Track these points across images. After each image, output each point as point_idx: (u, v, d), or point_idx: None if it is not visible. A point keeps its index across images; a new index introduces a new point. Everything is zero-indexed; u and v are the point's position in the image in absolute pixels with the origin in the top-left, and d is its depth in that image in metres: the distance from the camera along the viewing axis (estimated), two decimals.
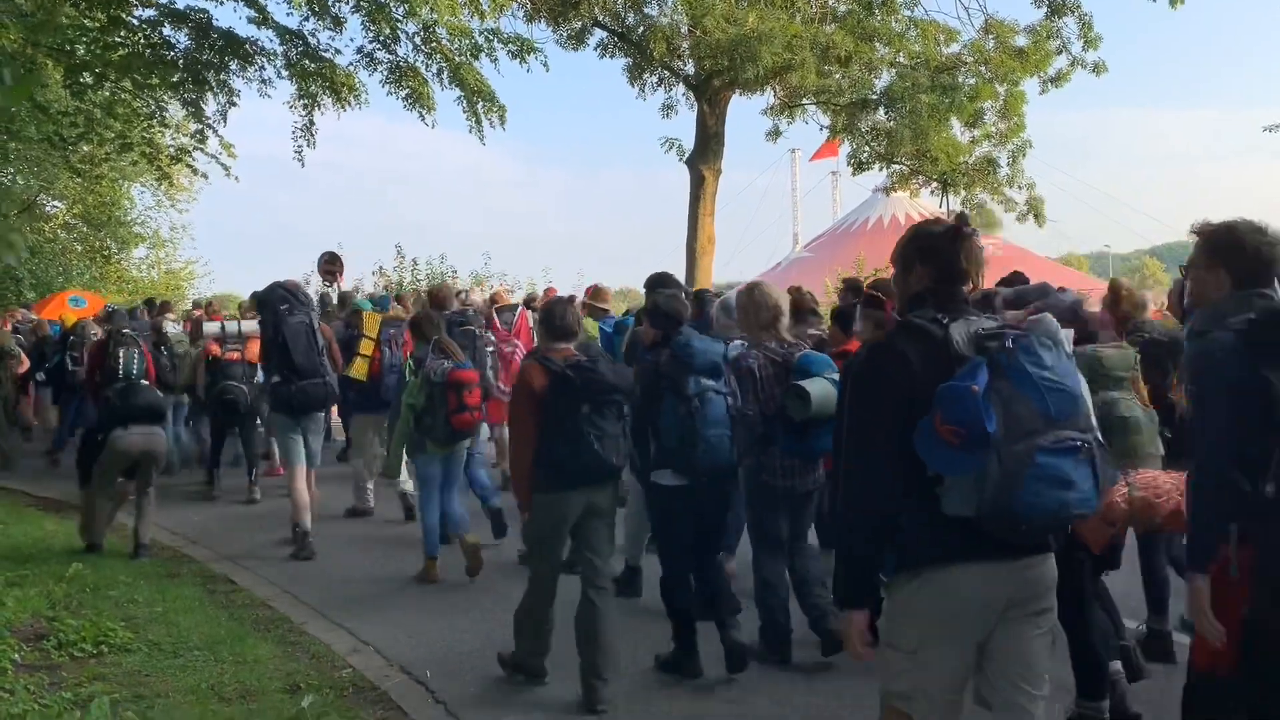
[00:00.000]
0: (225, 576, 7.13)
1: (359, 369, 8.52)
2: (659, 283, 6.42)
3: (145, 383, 7.67)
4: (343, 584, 6.84)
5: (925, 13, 18.24)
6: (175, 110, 12.94)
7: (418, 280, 21.04)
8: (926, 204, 28.69)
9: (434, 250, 38.85)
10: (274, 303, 7.55)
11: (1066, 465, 2.54)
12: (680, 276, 18.53)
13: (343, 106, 10.30)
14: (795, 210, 44.31)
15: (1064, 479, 2.53)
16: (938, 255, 2.85)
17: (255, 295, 8.54)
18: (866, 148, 18.04)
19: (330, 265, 11.91)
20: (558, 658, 4.90)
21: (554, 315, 4.89)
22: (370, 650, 5.53)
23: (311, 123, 10.57)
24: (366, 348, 8.46)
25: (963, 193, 18.28)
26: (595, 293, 8.50)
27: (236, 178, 11.40)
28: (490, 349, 8.51)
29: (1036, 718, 2.74)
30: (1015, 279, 5.64)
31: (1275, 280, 3.08)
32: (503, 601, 6.12)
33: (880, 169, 19.23)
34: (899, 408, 2.62)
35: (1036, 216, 18.23)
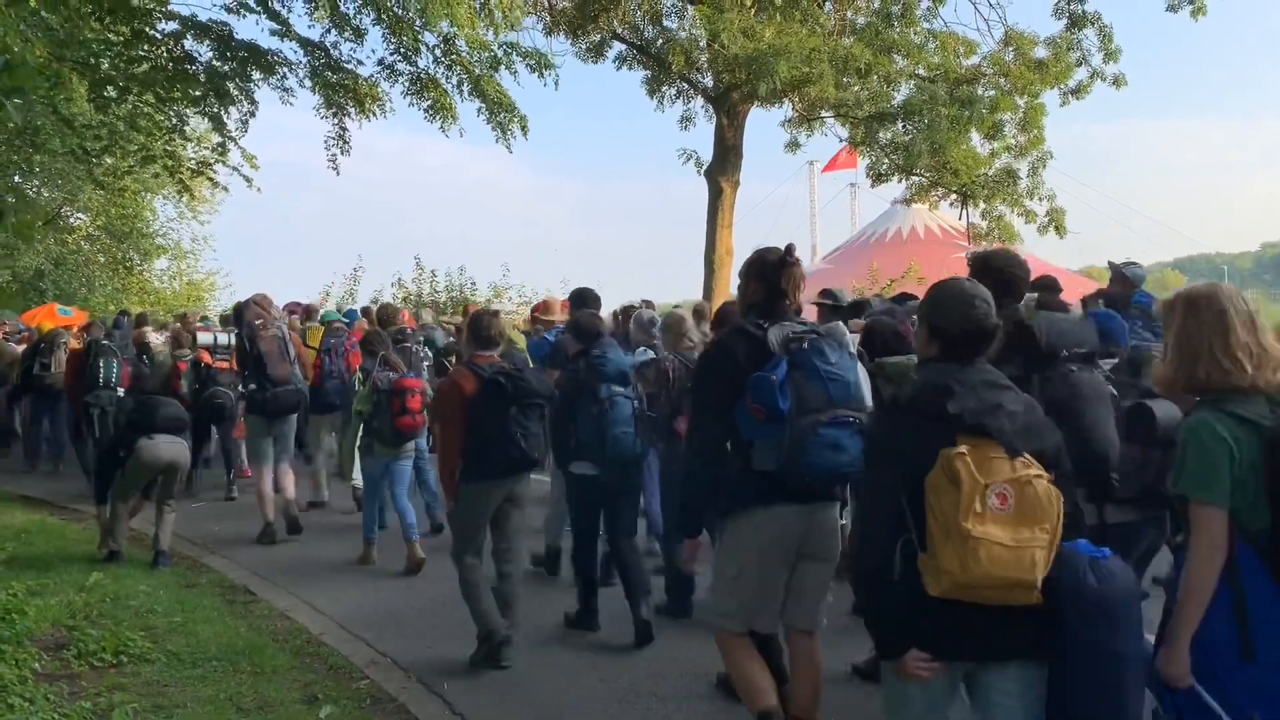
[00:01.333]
0: (244, 587, 7.15)
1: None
2: (581, 301, 7.29)
3: (166, 397, 7.91)
4: (360, 596, 6.84)
5: (944, 24, 18.24)
6: (197, 123, 13.04)
7: (436, 292, 21.15)
8: (946, 216, 28.63)
9: (453, 261, 39.03)
10: (249, 318, 8.23)
11: (842, 435, 3.42)
12: (698, 288, 18.63)
13: (366, 116, 10.34)
14: (814, 222, 44.33)
15: (839, 445, 3.41)
16: (766, 277, 3.78)
17: (234, 307, 9.33)
18: (885, 160, 17.99)
19: (293, 309, 12.09)
20: (568, 672, 4.88)
21: (480, 327, 5.65)
22: (388, 662, 5.53)
23: (344, 129, 10.62)
24: (309, 356, 9.22)
25: (982, 204, 18.18)
26: (544, 308, 9.14)
27: (259, 189, 11.46)
28: (427, 361, 9.34)
29: (816, 640, 3.79)
30: (1046, 283, 6.06)
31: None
32: (523, 622, 6.13)
33: (899, 181, 19.18)
34: (727, 390, 3.57)
35: (1057, 228, 18.11)
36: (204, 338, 9.38)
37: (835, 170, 35.72)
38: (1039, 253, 30.17)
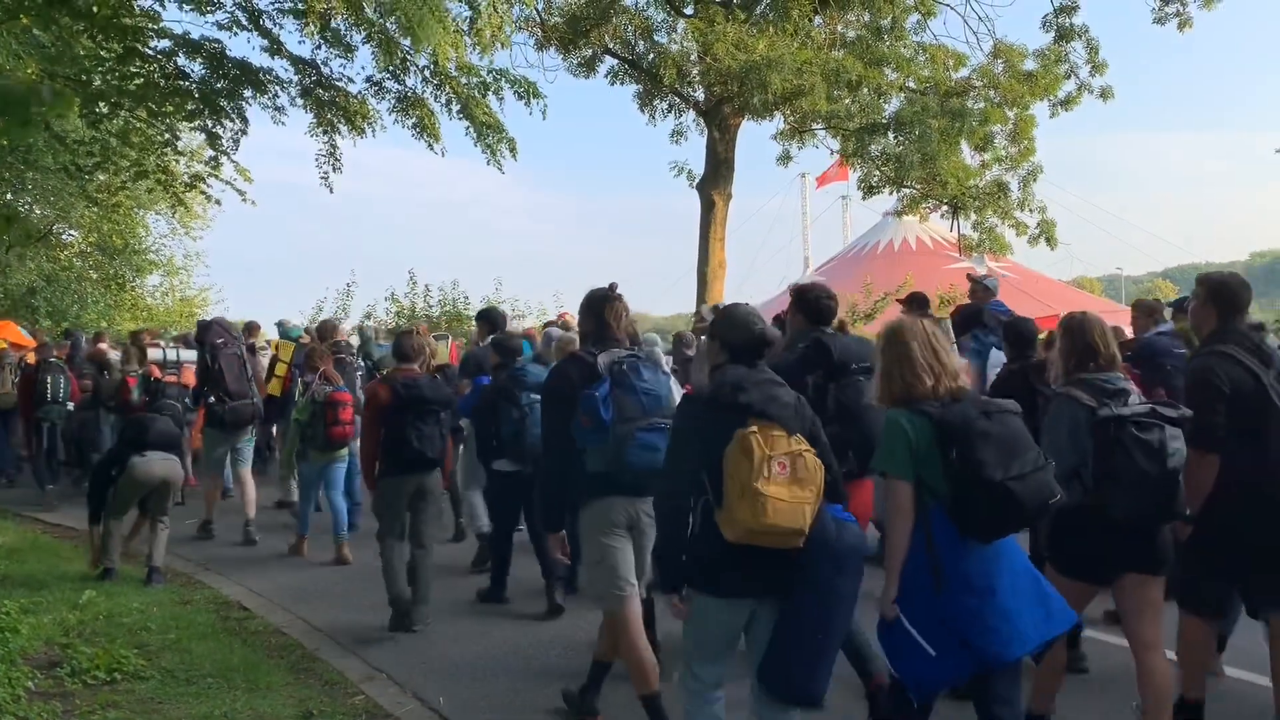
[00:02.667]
0: (238, 603, 7.13)
1: (274, 387, 10.42)
2: (489, 319, 8.75)
3: (159, 414, 7.94)
4: (356, 611, 6.82)
5: (934, 37, 18.37)
6: (189, 138, 13.04)
7: (430, 307, 21.15)
8: (937, 227, 28.76)
9: (447, 276, 39.07)
10: (211, 337, 8.95)
11: (656, 439, 4.07)
12: (692, 300, 18.65)
13: (358, 133, 10.36)
14: (806, 234, 44.43)
15: (654, 447, 4.08)
16: (595, 311, 4.60)
17: (198, 325, 10.13)
18: (877, 172, 18.06)
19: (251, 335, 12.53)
20: (551, 679, 4.87)
21: (400, 345, 6.72)
22: (383, 678, 5.52)
23: (335, 148, 10.63)
24: (280, 369, 10.34)
25: (973, 216, 18.25)
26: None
27: (253, 202, 11.45)
28: (360, 372, 10.40)
29: (638, 596, 4.48)
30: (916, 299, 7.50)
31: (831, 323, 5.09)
32: (516, 631, 6.14)
33: (891, 193, 19.25)
34: (567, 407, 4.30)
35: (1048, 240, 18.18)
36: (154, 354, 9.75)
37: (828, 184, 35.87)
38: (1030, 264, 30.37)
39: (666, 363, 6.90)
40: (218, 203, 12.84)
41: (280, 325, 12.09)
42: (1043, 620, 3.42)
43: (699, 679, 3.60)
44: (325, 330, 10.54)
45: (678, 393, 4.44)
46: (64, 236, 23.63)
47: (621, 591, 4.41)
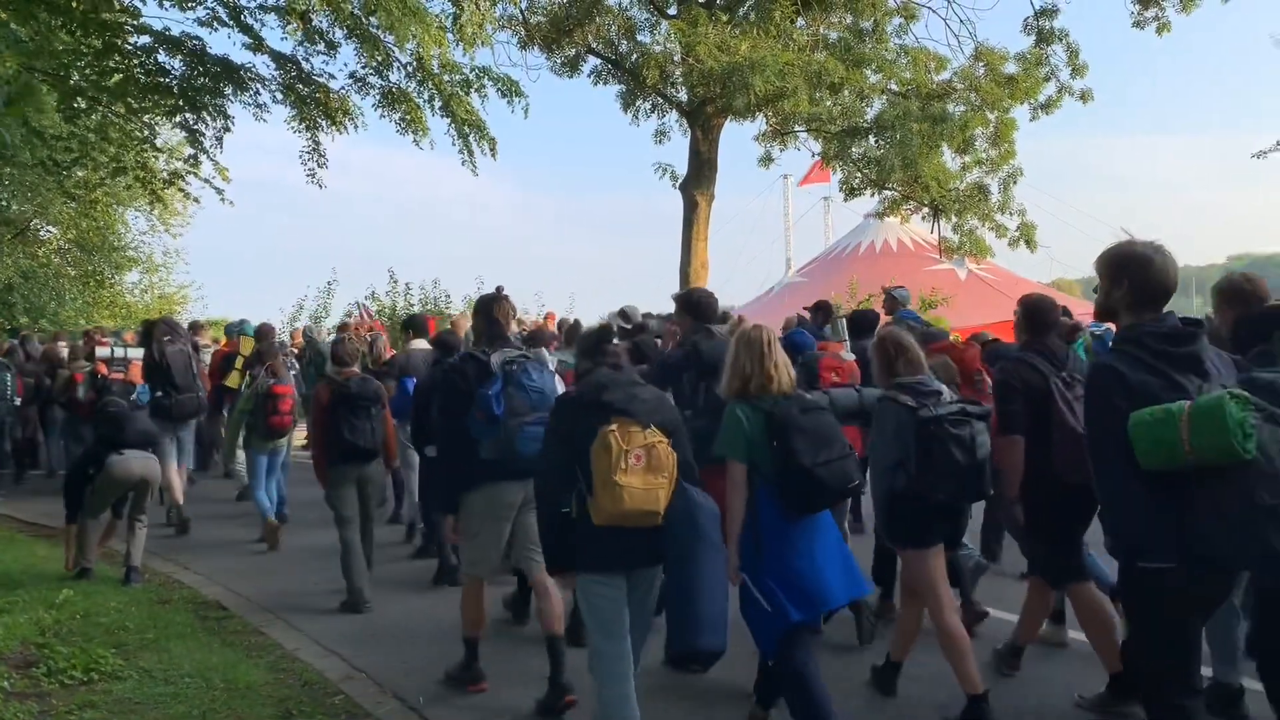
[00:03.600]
0: (217, 602, 7.09)
1: (234, 380, 10.81)
2: (416, 323, 9.67)
3: (139, 411, 8.06)
4: (336, 611, 6.81)
5: (916, 40, 18.43)
6: (169, 135, 12.97)
7: (410, 305, 21.08)
8: (918, 229, 28.86)
9: (428, 274, 38.87)
10: (158, 335, 9.51)
11: (539, 431, 4.40)
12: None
13: (339, 129, 10.32)
14: (788, 235, 44.48)
15: (539, 438, 4.30)
16: (486, 313, 5.21)
17: (144, 325, 10.76)
18: (858, 174, 18.13)
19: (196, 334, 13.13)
20: (535, 678, 4.87)
21: (335, 350, 7.47)
22: (363, 677, 5.50)
23: (318, 143, 10.59)
24: (240, 364, 10.78)
25: (954, 218, 18.34)
26: (453, 326, 10.30)
27: (231, 202, 11.39)
28: (294, 371, 11.20)
29: (540, 566, 4.67)
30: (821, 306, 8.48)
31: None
32: (496, 631, 6.13)
33: (872, 195, 19.31)
34: (462, 401, 4.88)
35: (1028, 242, 18.27)
36: (101, 351, 10.38)
37: (810, 184, 35.94)
38: (1010, 266, 30.53)
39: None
40: (196, 201, 12.80)
41: (242, 325, 12.68)
42: (849, 581, 4.25)
43: (602, 655, 3.96)
44: (263, 332, 11.41)
45: (561, 390, 5.05)
46: (42, 233, 23.45)
47: (487, 569, 5.18)
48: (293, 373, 11.02)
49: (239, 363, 10.82)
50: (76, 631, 6.12)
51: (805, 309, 9.54)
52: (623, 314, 8.13)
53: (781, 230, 44.44)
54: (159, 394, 9.46)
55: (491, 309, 5.19)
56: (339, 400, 6.91)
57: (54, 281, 23.40)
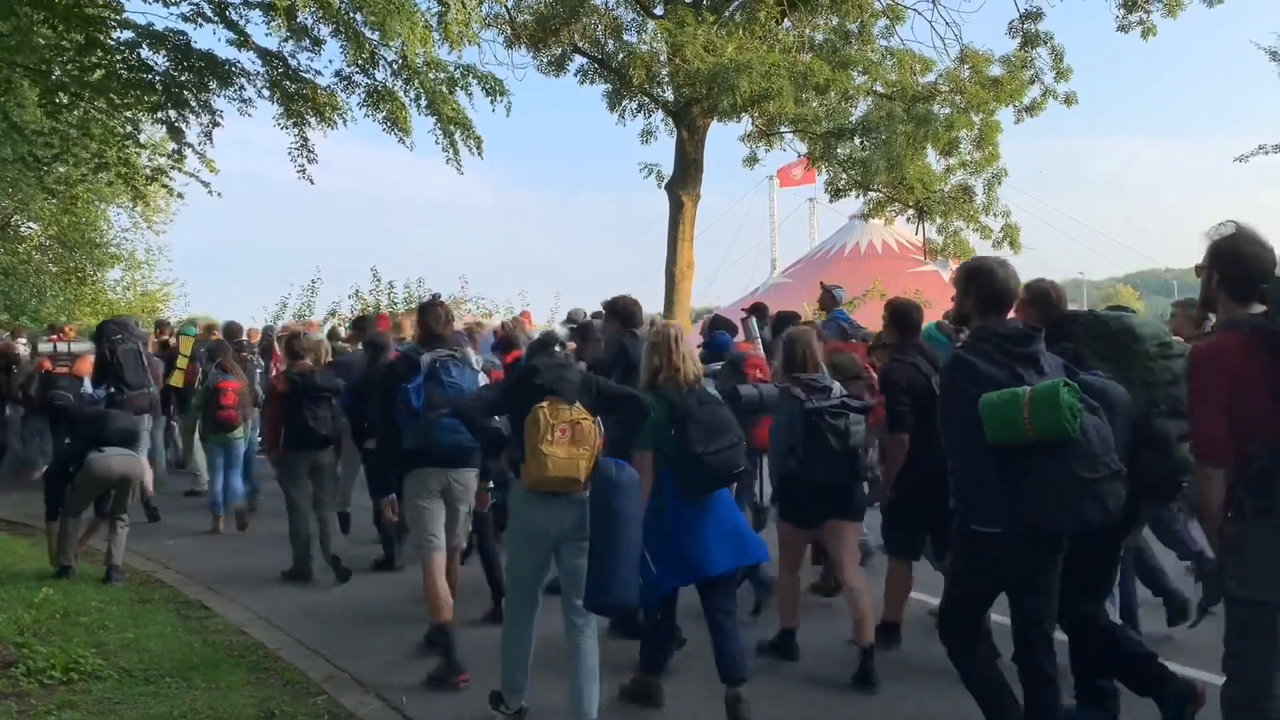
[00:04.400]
0: (199, 602, 7.04)
1: (177, 379, 11.36)
2: (364, 323, 10.57)
3: (118, 410, 8.07)
4: (319, 611, 6.78)
5: (901, 42, 18.51)
6: (152, 130, 12.87)
7: (394, 304, 21.01)
8: (903, 231, 28.98)
9: (412, 273, 38.75)
10: (110, 333, 9.91)
11: (457, 423, 5.06)
12: (660, 301, 18.67)
13: (328, 124, 10.24)
14: (773, 236, 44.56)
15: (455, 429, 5.16)
16: (421, 316, 5.75)
17: (97, 325, 11.31)
18: (843, 175, 18.18)
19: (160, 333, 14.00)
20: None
21: (290, 346, 8.08)
22: (345, 677, 5.47)
23: (306, 139, 10.50)
24: (182, 363, 11.36)
25: (938, 220, 18.42)
26: (395, 326, 10.59)
27: (219, 194, 11.30)
28: (259, 369, 11.54)
29: (444, 549, 5.57)
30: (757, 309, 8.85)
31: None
32: (480, 633, 6.11)
33: (857, 196, 19.37)
34: (391, 396, 5.48)
35: (1012, 244, 18.37)
36: (44, 347, 10.90)
37: (793, 186, 36.02)
38: None
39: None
40: (180, 196, 12.69)
41: (178, 323, 13.52)
42: (737, 551, 4.80)
43: (512, 601, 4.75)
44: (231, 330, 11.99)
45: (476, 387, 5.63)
46: (22, 229, 23.26)
47: (430, 544, 5.50)
48: (259, 370, 11.35)
49: (180, 361, 11.30)
50: (56, 630, 6.05)
51: (744, 309, 9.87)
52: (569, 317, 9.14)
53: (767, 231, 44.56)
54: (111, 389, 9.76)
55: (425, 314, 5.76)
56: (303, 391, 7.52)
57: (35, 278, 23.24)
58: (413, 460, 5.49)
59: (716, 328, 8.93)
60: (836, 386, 5.36)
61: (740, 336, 8.88)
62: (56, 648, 5.57)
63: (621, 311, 6.77)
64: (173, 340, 12.62)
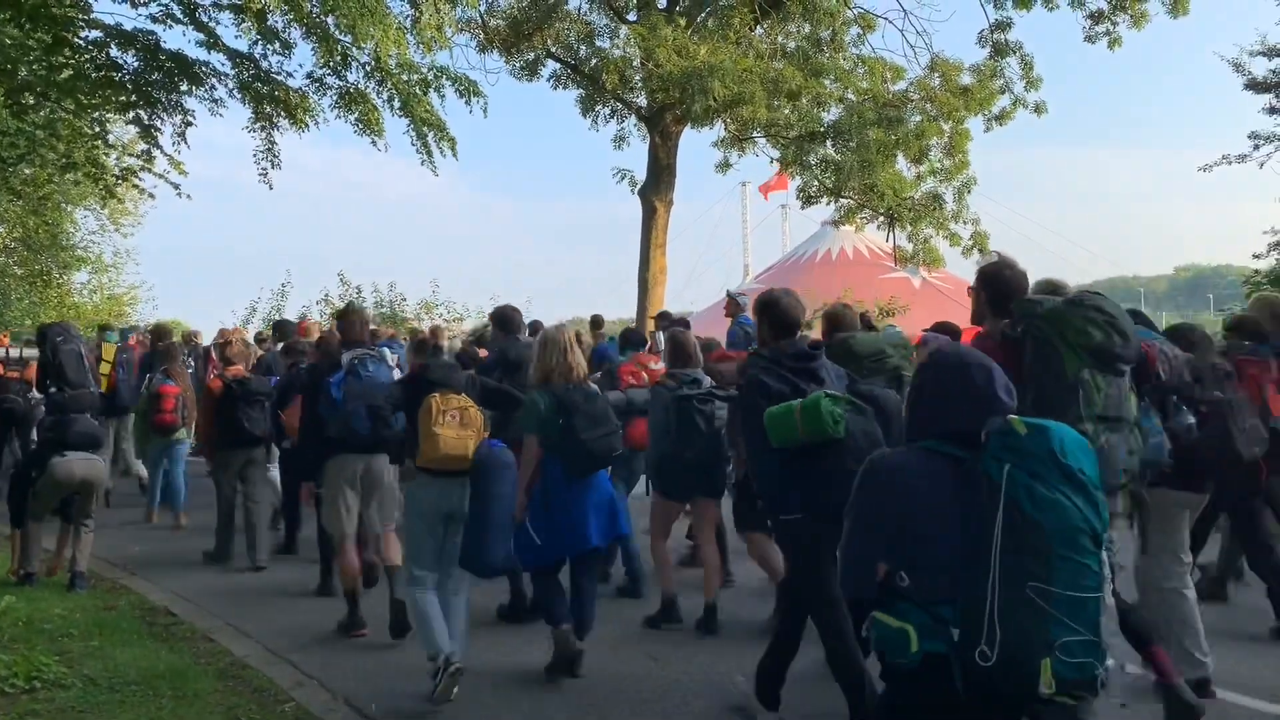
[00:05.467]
0: (165, 609, 6.96)
1: (101, 385, 10.92)
2: (282, 329, 11.27)
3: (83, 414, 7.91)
4: (285, 617, 6.73)
5: (873, 50, 18.61)
6: (121, 131, 12.75)
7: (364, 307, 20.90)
8: (874, 238, 29.14)
9: (382, 277, 38.63)
10: (52, 336, 10.10)
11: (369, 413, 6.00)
12: (633, 306, 18.68)
13: (301, 126, 10.17)
14: (746, 242, 44.76)
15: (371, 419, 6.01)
16: (342, 319, 6.65)
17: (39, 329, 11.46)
18: (815, 181, 18.25)
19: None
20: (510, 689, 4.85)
21: (222, 352, 8.91)
22: (314, 684, 5.42)
23: (273, 143, 10.42)
24: (105, 369, 11.45)
25: (909, 227, 18.53)
26: (304, 330, 11.49)
27: (188, 196, 11.19)
28: (190, 370, 11.79)
29: (390, 532, 6.51)
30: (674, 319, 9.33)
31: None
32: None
33: (828, 203, 19.46)
34: (315, 391, 6.32)
35: (981, 251, 18.43)
36: None
37: (772, 192, 36.18)
38: (963, 275, 30.89)
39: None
40: (151, 196, 12.56)
41: (103, 329, 13.83)
42: (610, 526, 5.44)
43: (416, 574, 5.31)
44: (160, 333, 12.43)
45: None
46: None
47: (343, 521, 6.32)
48: (189, 371, 11.76)
49: (103, 367, 11.62)
50: (19, 638, 5.97)
51: (653, 318, 10.70)
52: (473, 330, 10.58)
53: (739, 237, 44.75)
54: (54, 390, 10.13)
55: (343, 320, 6.67)
56: (237, 394, 8.18)
57: (0, 280, 22.93)
58: (335, 447, 6.21)
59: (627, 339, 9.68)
60: (707, 380, 6.31)
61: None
62: (19, 655, 5.49)
63: (502, 320, 7.53)
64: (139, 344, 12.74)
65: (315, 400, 6.37)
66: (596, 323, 13.45)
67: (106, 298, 26.86)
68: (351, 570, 6.33)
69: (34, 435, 11.36)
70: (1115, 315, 3.96)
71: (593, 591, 5.56)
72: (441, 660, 4.99)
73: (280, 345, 10.07)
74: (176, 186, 10.95)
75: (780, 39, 18.28)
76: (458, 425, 5.17)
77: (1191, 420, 4.69)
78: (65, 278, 25.25)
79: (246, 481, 8.38)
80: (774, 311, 4.70)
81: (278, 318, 12.24)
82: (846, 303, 6.95)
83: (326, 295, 20.97)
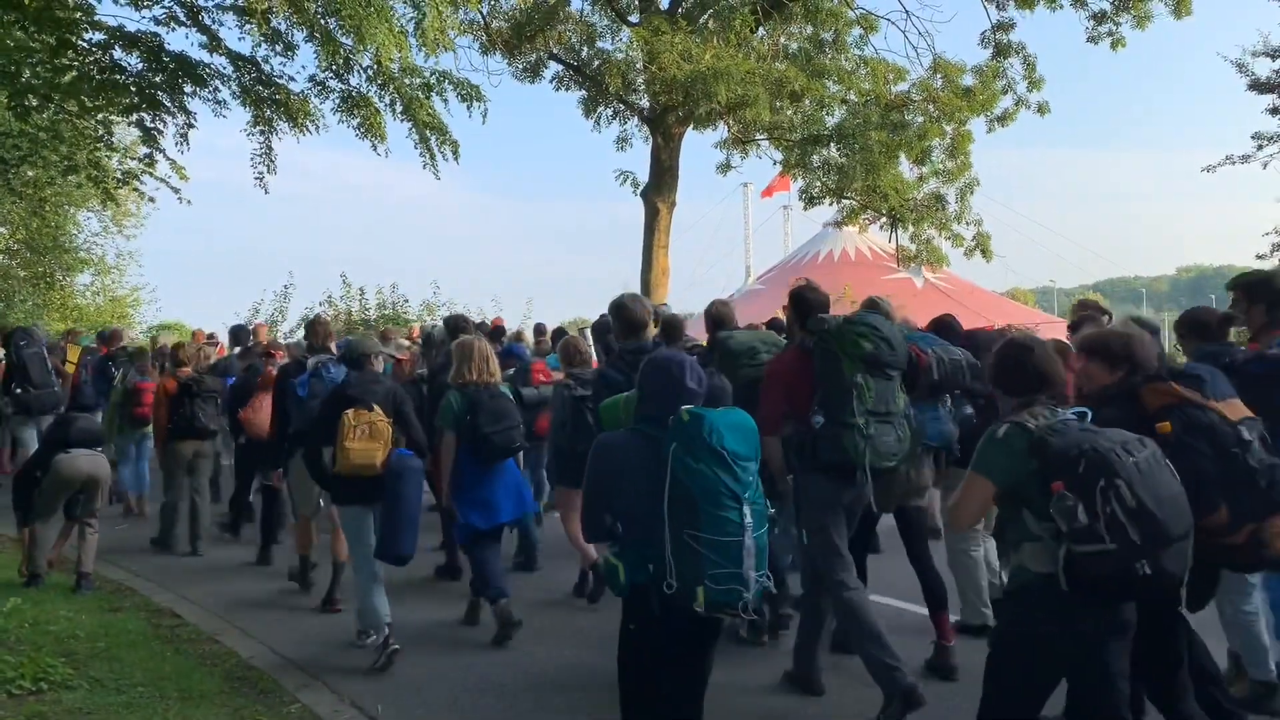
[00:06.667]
0: (170, 610, 6.98)
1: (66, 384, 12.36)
2: (238, 332, 11.95)
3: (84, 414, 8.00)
4: (291, 619, 6.75)
5: (875, 51, 18.60)
6: (123, 133, 12.75)
7: (366, 309, 20.93)
8: (876, 238, 29.14)
9: (385, 279, 38.62)
10: (15, 339, 11.29)
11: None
12: None
13: (301, 131, 10.17)
14: (748, 243, 44.75)
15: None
16: (308, 330, 7.65)
17: (3, 334, 12.47)
18: (818, 183, 18.24)
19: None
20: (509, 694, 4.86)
21: (174, 354, 9.48)
22: (320, 685, 5.44)
23: (270, 148, 10.42)
24: (70, 369, 12.47)
25: (911, 228, 18.52)
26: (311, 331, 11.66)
27: (188, 201, 11.21)
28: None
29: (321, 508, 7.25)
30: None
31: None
32: (455, 639, 6.10)
33: (831, 204, 19.45)
34: (288, 390, 7.07)
35: (984, 252, 18.49)
36: None
37: (774, 193, 36.14)
38: (965, 275, 30.91)
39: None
40: (152, 200, 12.58)
41: (70, 333, 14.92)
42: (518, 505, 6.36)
43: (360, 563, 5.92)
44: (113, 336, 13.24)
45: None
46: None
47: (310, 504, 7.20)
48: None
49: (68, 367, 12.52)
50: (25, 640, 5.98)
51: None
52: (423, 333, 11.41)
53: (742, 238, 44.72)
54: (19, 390, 11.09)
55: (310, 329, 7.64)
56: (188, 392, 8.81)
57: (2, 282, 22.95)
58: (300, 440, 6.78)
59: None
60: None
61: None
62: (25, 657, 5.51)
63: (452, 325, 8.41)
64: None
65: (284, 399, 7.18)
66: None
67: (109, 299, 26.88)
68: (307, 540, 7.39)
69: None
70: (883, 330, 4.85)
71: (496, 561, 6.40)
72: (383, 637, 5.75)
73: (237, 349, 11.03)
74: (177, 191, 10.98)
75: (782, 40, 18.28)
76: (366, 438, 5.74)
77: (969, 410, 5.75)
78: (68, 280, 25.26)
79: (194, 473, 8.97)
80: (622, 314, 5.80)
81: (236, 324, 12.74)
82: (724, 300, 7.56)
83: (329, 297, 20.98)
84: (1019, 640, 3.33)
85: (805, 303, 5.24)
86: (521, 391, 7.45)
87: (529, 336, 12.36)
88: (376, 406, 5.84)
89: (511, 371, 8.36)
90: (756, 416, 3.63)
